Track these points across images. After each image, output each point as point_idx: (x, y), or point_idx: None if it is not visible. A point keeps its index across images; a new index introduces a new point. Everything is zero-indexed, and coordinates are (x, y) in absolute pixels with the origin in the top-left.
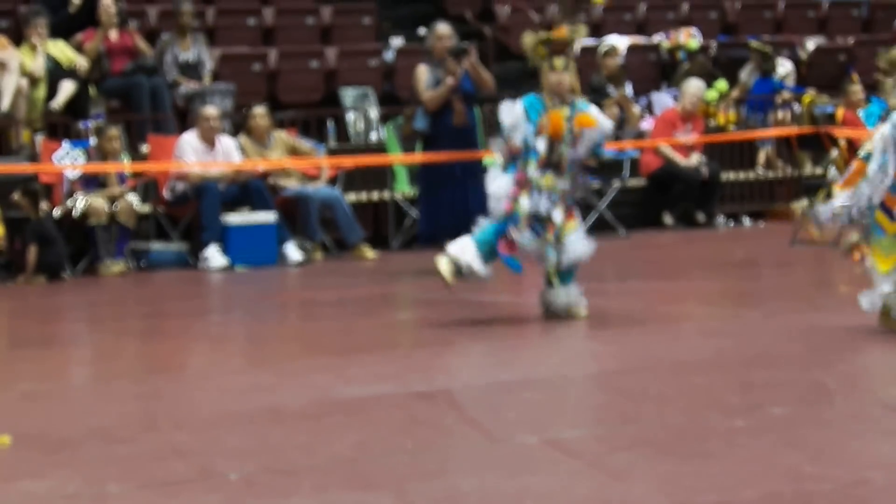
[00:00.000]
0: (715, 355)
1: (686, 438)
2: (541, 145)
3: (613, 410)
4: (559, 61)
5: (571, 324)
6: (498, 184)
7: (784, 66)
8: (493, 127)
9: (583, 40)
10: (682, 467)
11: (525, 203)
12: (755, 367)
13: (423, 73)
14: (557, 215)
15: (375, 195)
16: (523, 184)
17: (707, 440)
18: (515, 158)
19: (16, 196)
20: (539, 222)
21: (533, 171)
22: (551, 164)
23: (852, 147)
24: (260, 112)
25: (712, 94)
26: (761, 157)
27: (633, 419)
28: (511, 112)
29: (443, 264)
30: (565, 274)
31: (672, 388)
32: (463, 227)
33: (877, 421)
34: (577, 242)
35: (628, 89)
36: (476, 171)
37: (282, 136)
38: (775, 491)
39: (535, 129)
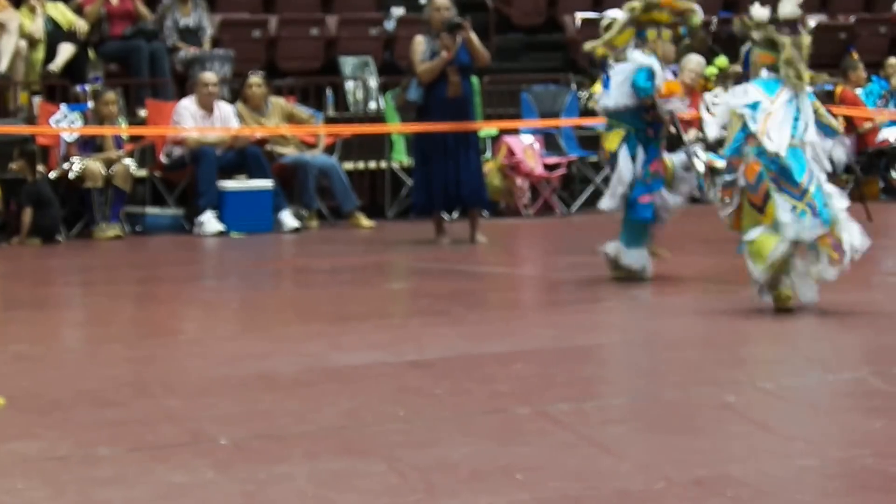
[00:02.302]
0: (708, 331)
1: (677, 413)
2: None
3: (605, 383)
4: (667, 32)
5: (563, 295)
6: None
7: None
8: (490, 98)
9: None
10: (672, 441)
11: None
12: (747, 343)
13: (420, 44)
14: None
15: (372, 164)
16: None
17: (698, 415)
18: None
19: (13, 158)
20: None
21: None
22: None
23: (851, 125)
24: (255, 81)
25: (712, 70)
26: None
27: (624, 393)
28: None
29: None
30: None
31: (665, 362)
32: (456, 198)
33: (868, 398)
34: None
35: None
36: (470, 143)
37: (279, 103)
38: (765, 465)
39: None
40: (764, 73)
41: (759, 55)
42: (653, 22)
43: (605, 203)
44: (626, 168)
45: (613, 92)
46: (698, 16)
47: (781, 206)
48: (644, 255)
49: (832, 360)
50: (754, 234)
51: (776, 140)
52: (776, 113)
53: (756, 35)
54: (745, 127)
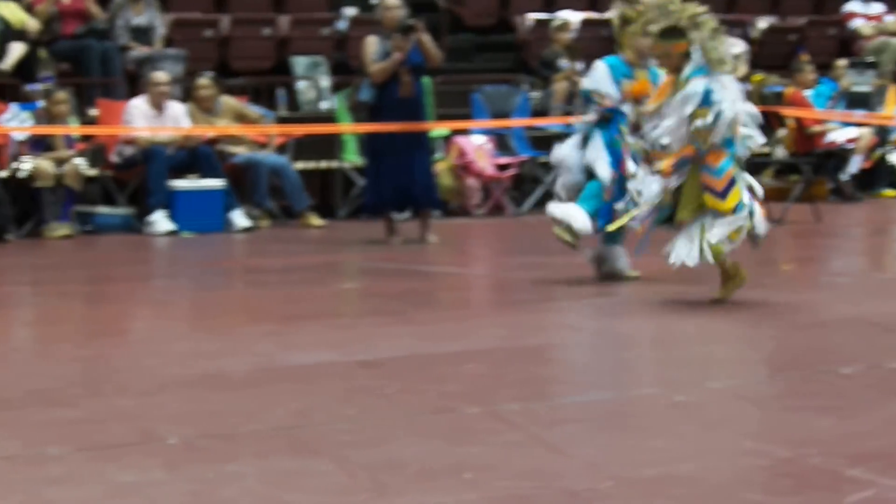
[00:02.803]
0: (658, 330)
1: (626, 412)
2: (628, 109)
3: (555, 383)
4: (638, 26)
5: (514, 295)
6: (595, 150)
7: (738, 46)
8: (442, 98)
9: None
10: (620, 441)
11: (631, 166)
12: (697, 343)
13: (372, 44)
14: (640, 174)
15: (324, 164)
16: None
17: (646, 414)
18: (608, 120)
19: None
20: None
21: (627, 135)
22: (636, 127)
23: (801, 127)
24: (204, 83)
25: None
26: None
27: (574, 392)
28: (596, 74)
29: (560, 231)
30: (618, 235)
31: (614, 362)
32: (407, 198)
33: (816, 397)
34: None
35: (581, 64)
36: (421, 143)
37: (230, 103)
38: (713, 466)
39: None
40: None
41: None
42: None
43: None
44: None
45: None
46: None
47: (744, 192)
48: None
49: (781, 359)
50: (716, 238)
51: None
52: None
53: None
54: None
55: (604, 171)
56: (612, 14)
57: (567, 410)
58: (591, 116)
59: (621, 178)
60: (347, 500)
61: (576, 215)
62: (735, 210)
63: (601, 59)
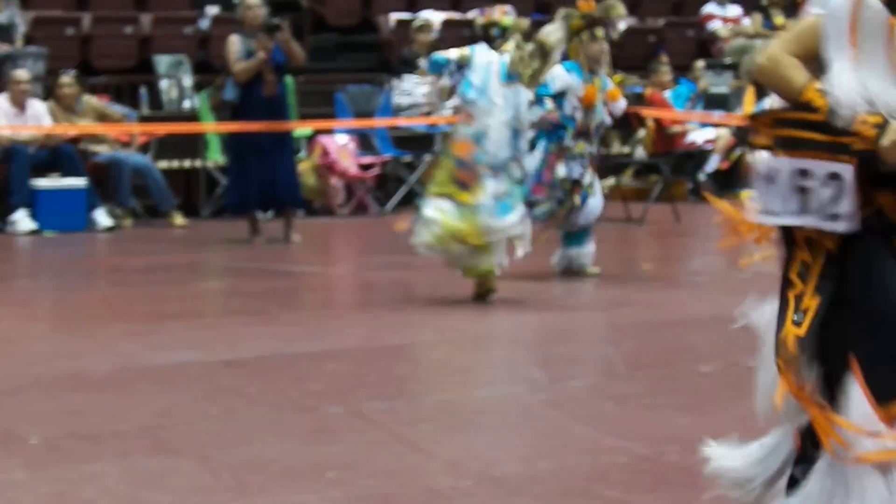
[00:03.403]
0: (518, 329)
1: (487, 411)
2: (578, 115)
3: (417, 382)
4: (601, 31)
5: (377, 294)
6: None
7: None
8: (305, 98)
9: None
10: (482, 439)
11: (561, 170)
12: (557, 342)
13: (235, 43)
14: (587, 178)
15: (187, 163)
16: (560, 153)
17: (508, 413)
18: (549, 129)
19: None
20: (565, 187)
21: (569, 139)
22: (583, 131)
23: (660, 127)
24: (66, 81)
25: (526, 72)
26: None
27: (435, 391)
28: (562, 79)
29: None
30: (583, 234)
31: (475, 361)
32: (270, 197)
33: (675, 395)
34: (597, 202)
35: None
36: (284, 143)
37: (91, 102)
38: (573, 463)
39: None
40: None
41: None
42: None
43: None
44: None
45: None
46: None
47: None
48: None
49: (641, 357)
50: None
51: None
52: None
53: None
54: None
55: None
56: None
57: (428, 409)
58: (534, 120)
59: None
60: (210, 500)
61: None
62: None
63: (559, 64)
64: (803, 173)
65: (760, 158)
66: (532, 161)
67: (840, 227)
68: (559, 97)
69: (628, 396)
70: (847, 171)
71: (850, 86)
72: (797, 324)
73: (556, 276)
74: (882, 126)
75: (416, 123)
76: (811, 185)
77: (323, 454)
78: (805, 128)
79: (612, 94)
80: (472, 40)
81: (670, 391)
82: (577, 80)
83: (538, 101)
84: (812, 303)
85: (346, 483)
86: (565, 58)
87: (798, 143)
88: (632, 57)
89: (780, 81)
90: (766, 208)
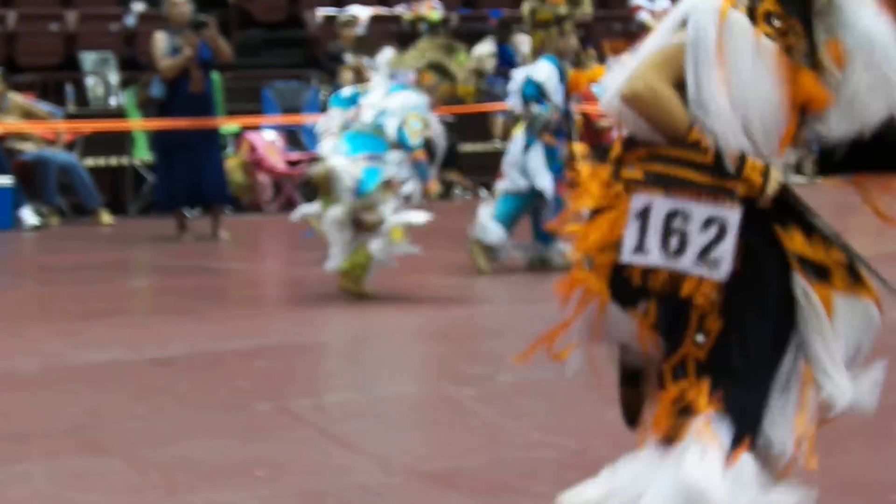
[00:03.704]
0: (448, 324)
1: (416, 407)
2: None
3: (346, 378)
4: (569, 25)
5: (305, 291)
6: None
7: (527, 44)
8: (232, 94)
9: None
10: (410, 435)
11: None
12: (487, 337)
13: (161, 40)
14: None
15: (114, 161)
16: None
17: (437, 408)
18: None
19: None
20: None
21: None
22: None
23: (588, 121)
24: None
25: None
26: (498, 128)
27: (364, 387)
28: (549, 76)
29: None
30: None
31: (405, 356)
32: (198, 194)
33: (603, 389)
34: None
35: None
36: (212, 139)
37: (17, 100)
38: (503, 458)
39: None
40: None
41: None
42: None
43: None
44: None
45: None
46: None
47: None
48: None
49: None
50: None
51: None
52: None
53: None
54: None
55: (546, 183)
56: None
57: (358, 405)
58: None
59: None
60: (138, 499)
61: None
62: None
63: (543, 58)
64: (678, 214)
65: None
66: (535, 161)
67: (717, 274)
68: (541, 95)
69: (558, 391)
70: (733, 216)
71: (733, 123)
72: (698, 345)
73: (525, 269)
74: (766, 174)
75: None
76: (687, 229)
77: (252, 452)
78: (685, 166)
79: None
80: (399, 35)
81: (602, 387)
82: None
83: (532, 100)
84: (715, 326)
85: (275, 481)
86: (539, 52)
87: (675, 181)
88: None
89: (659, 114)
90: (639, 246)
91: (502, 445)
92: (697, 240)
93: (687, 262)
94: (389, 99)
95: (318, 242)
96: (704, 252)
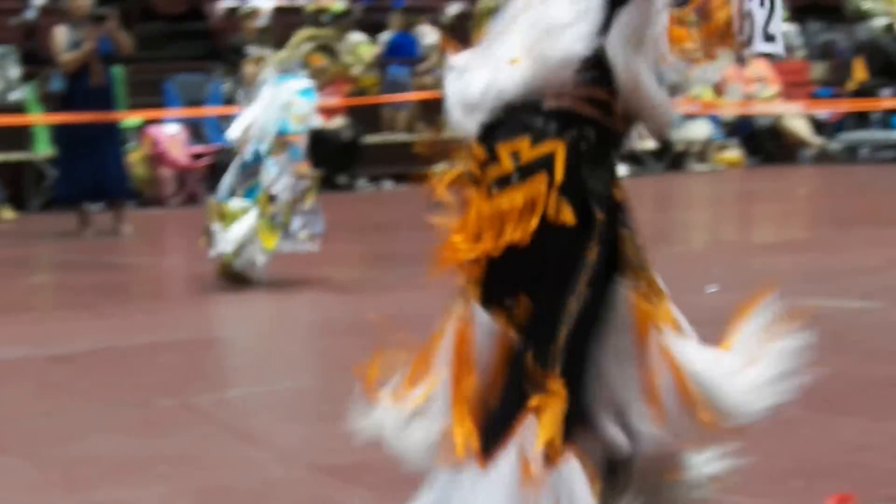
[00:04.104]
0: (353, 316)
1: (319, 400)
2: None
3: (249, 373)
4: None
5: (209, 285)
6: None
7: (431, 35)
8: (134, 87)
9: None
10: (316, 429)
11: None
12: (393, 328)
13: (61, 34)
14: None
15: (15, 156)
16: None
17: (341, 402)
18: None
19: None
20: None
21: None
22: None
23: None
24: None
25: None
26: (402, 120)
27: (267, 381)
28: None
29: None
30: None
31: (308, 350)
32: (100, 189)
33: None
34: None
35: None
36: (113, 133)
37: None
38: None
39: None
40: None
41: None
42: None
43: None
44: None
45: None
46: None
47: None
48: None
49: None
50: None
51: None
52: None
53: None
54: None
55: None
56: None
57: (261, 400)
58: None
59: None
60: (39, 497)
61: None
62: None
63: None
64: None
65: None
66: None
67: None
68: None
69: None
70: None
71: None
72: None
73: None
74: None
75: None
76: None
77: (154, 448)
78: None
79: None
80: (302, 26)
81: None
82: None
83: None
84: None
85: (178, 477)
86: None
87: None
88: (464, 41)
89: None
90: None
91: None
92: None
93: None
94: (277, 92)
95: None
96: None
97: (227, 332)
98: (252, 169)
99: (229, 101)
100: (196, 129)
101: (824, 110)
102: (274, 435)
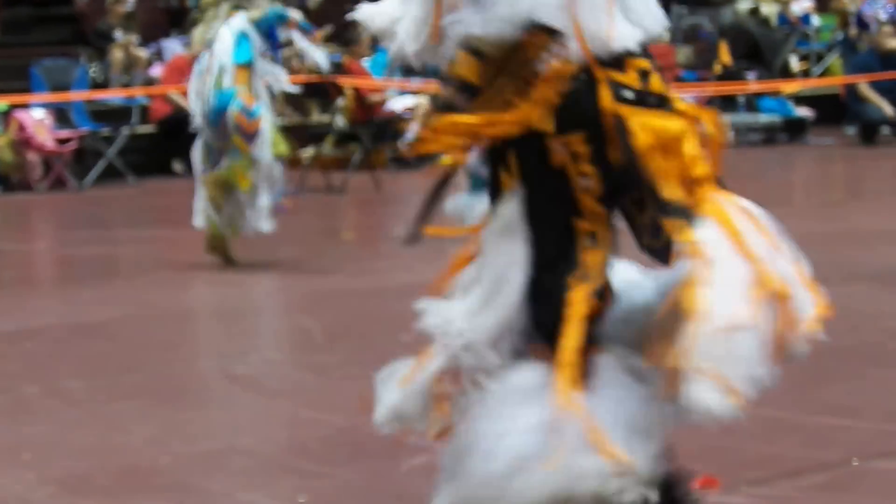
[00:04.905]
0: (219, 303)
1: (186, 387)
2: None
3: (116, 359)
4: None
5: (76, 270)
6: None
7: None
8: (0, 72)
9: None
10: (182, 415)
11: None
12: (256, 313)
13: None
14: None
15: None
16: None
17: (207, 388)
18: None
19: None
20: None
21: None
22: None
23: (359, 96)
24: None
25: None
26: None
27: (135, 368)
28: None
29: None
30: None
31: (176, 336)
32: None
33: (373, 365)
34: None
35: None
36: None
37: None
38: (273, 437)
39: None
40: None
41: None
42: None
43: None
44: None
45: None
46: None
47: None
48: None
49: (340, 328)
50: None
51: None
52: None
53: None
54: None
55: None
56: None
57: (127, 386)
58: None
59: None
60: None
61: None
62: None
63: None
64: None
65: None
66: None
67: None
68: None
69: (327, 367)
70: None
71: None
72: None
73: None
74: None
75: (113, 96)
76: None
77: (19, 435)
78: None
79: None
80: (167, 12)
81: (369, 362)
82: None
83: None
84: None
85: (43, 464)
86: None
87: None
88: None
89: None
90: None
91: (270, 423)
92: None
93: None
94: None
95: (90, 222)
96: None
97: (94, 317)
98: (217, 131)
99: (95, 85)
100: (62, 114)
101: (690, 93)
102: (142, 422)
